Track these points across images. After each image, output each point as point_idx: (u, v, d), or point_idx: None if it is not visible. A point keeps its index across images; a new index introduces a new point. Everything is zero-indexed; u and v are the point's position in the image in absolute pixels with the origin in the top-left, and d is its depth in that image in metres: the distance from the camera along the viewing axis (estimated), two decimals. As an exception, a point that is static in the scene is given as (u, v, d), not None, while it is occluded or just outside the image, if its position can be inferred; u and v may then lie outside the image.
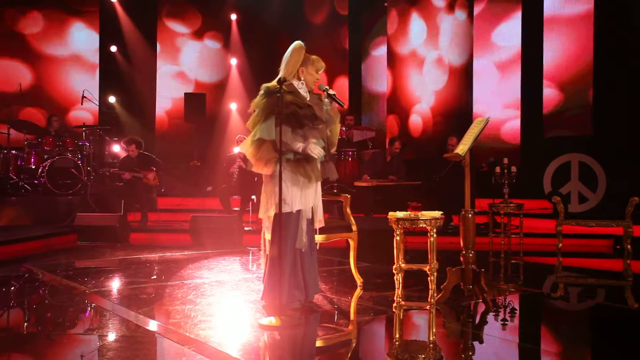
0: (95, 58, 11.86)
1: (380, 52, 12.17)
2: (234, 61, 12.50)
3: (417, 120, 11.03)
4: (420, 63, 10.98)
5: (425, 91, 10.92)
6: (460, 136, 4.53)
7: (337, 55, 12.39)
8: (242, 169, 8.12)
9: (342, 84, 12.46)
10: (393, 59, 11.41)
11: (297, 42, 3.80)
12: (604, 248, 7.16)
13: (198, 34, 12.50)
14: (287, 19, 12.06)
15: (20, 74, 11.26)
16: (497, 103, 10.07)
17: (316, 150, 3.67)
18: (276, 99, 3.60)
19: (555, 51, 9.41)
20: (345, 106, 4.13)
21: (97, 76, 11.83)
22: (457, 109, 10.42)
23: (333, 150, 3.97)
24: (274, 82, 3.67)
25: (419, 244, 5.89)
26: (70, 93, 11.58)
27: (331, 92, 3.84)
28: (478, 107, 10.19)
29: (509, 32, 9.99)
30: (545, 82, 9.50)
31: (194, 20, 12.46)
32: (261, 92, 3.73)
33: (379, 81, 12.24)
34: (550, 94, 9.47)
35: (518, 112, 9.84)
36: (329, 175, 3.90)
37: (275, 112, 3.62)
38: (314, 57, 3.84)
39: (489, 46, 10.20)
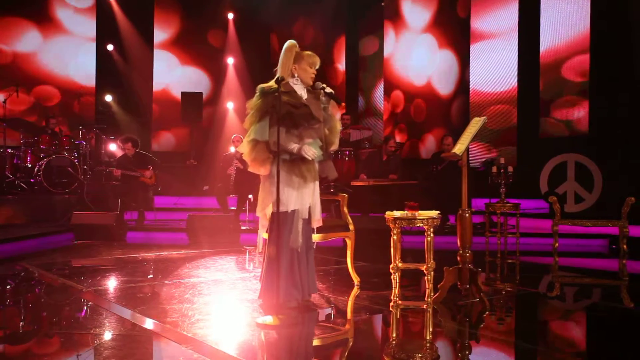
0: (92, 57, 11.82)
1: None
2: (230, 60, 12.49)
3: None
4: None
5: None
6: (455, 137, 4.54)
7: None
8: (239, 169, 8.12)
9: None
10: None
11: (289, 42, 3.79)
12: (599, 248, 7.18)
13: (194, 33, 12.46)
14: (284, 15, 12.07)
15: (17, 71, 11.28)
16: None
17: (310, 152, 3.66)
18: (272, 99, 3.60)
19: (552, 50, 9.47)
20: (343, 104, 4.12)
21: (93, 75, 11.81)
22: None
23: (334, 148, 3.95)
24: (271, 83, 3.67)
25: (416, 243, 5.91)
26: (66, 91, 11.58)
27: (328, 90, 3.84)
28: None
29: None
30: (541, 85, 9.54)
31: (190, 19, 12.43)
32: (257, 92, 3.73)
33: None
34: (546, 94, 9.51)
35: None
36: (328, 174, 3.89)
37: (269, 113, 3.62)
38: (306, 52, 3.80)
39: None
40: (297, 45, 3.80)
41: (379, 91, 12.09)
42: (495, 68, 10.09)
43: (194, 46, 12.42)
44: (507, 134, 9.92)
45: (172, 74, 12.31)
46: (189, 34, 12.40)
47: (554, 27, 9.40)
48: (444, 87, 10.78)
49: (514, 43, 9.86)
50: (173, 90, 12.15)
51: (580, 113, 9.09)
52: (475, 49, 10.33)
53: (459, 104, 10.58)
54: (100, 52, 11.90)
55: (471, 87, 10.32)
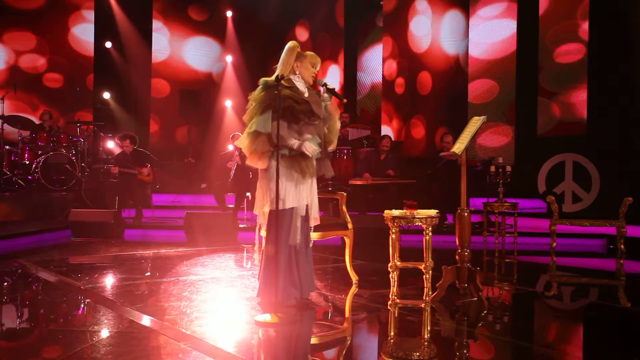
0: (90, 54, 11.81)
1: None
2: (229, 58, 12.48)
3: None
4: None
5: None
6: (455, 135, 4.55)
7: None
8: (239, 166, 8.12)
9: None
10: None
11: (291, 42, 3.85)
12: (597, 248, 7.20)
13: (193, 30, 12.46)
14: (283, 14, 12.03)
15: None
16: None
17: (310, 148, 3.67)
18: (274, 93, 3.61)
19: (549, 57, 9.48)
20: (345, 100, 4.14)
21: (91, 72, 11.80)
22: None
23: (332, 147, 3.96)
24: (273, 77, 3.69)
25: (414, 242, 5.92)
26: (65, 89, 11.57)
27: (330, 86, 3.86)
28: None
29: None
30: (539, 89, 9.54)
31: (189, 16, 12.43)
32: (260, 85, 3.74)
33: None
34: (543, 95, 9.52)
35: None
36: (325, 172, 3.90)
37: (272, 106, 3.63)
38: (308, 52, 3.88)
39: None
40: (299, 46, 3.85)
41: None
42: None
43: (192, 43, 12.42)
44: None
45: (170, 72, 12.30)
46: (187, 32, 12.40)
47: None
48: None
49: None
50: (172, 88, 12.17)
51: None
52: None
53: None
54: (99, 49, 11.89)
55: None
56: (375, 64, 12.02)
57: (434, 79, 10.77)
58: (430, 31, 10.81)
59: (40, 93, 11.49)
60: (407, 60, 11.15)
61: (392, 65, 11.43)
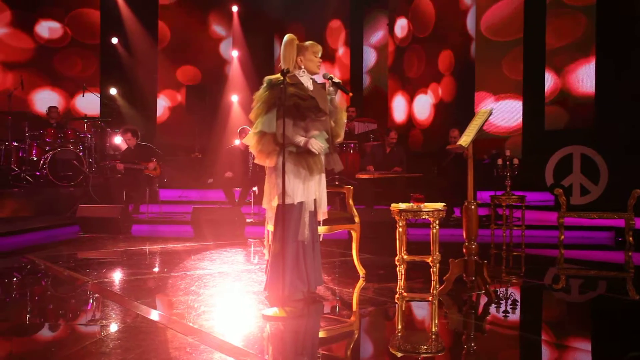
0: (96, 50, 11.84)
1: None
2: (235, 53, 12.47)
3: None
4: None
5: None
6: (462, 128, 4.53)
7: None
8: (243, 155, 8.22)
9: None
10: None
11: (287, 36, 3.80)
12: (605, 240, 7.17)
13: (199, 26, 12.45)
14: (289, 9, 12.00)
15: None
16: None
17: (317, 145, 3.66)
18: (278, 91, 3.60)
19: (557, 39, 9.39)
20: (351, 94, 4.13)
21: (98, 68, 11.83)
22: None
23: (339, 140, 3.95)
24: (278, 75, 3.67)
25: (421, 236, 5.91)
26: (70, 85, 11.61)
27: (336, 80, 3.84)
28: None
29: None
30: (547, 71, 9.46)
31: (195, 11, 12.42)
32: (264, 84, 3.73)
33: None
34: (551, 83, 9.43)
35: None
36: (334, 166, 3.90)
37: (277, 105, 3.62)
38: (308, 42, 3.83)
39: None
40: (297, 38, 3.82)
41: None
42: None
43: (198, 38, 12.42)
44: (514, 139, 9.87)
45: (177, 67, 12.33)
46: (193, 27, 12.39)
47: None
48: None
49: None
50: (178, 83, 12.21)
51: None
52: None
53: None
54: (105, 46, 11.91)
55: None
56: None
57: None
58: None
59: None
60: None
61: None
